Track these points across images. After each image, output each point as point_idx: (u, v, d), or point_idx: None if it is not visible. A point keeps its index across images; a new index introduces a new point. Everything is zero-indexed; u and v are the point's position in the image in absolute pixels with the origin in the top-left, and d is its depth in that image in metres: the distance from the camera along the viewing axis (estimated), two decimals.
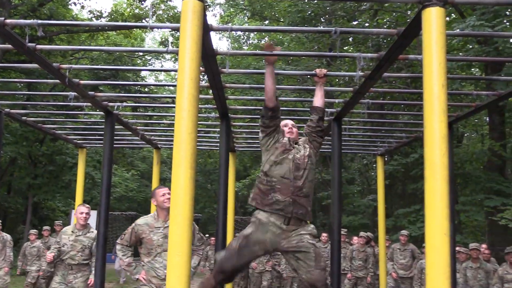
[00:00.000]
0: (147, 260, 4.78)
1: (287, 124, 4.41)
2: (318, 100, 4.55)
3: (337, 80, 17.70)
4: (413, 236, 13.91)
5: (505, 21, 11.86)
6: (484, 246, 9.57)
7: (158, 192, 4.90)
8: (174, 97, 3.03)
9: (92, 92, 5.50)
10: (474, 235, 17.16)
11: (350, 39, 18.32)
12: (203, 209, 31.04)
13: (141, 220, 4.91)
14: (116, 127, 6.36)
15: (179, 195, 2.83)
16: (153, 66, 27.64)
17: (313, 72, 4.59)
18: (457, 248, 9.26)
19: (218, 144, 6.78)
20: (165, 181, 26.27)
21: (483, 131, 19.30)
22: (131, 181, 27.31)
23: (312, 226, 4.22)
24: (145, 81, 28.33)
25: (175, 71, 4.16)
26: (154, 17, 20.54)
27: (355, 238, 11.81)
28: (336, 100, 5.77)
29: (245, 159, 27.26)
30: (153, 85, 24.83)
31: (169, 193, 4.60)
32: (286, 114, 7.83)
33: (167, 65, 30.00)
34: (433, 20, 3.06)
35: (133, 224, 4.89)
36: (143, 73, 25.61)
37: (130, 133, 7.76)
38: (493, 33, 8.49)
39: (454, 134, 18.38)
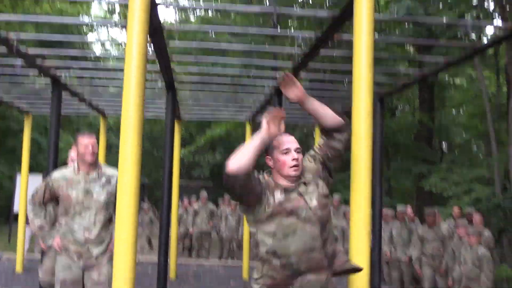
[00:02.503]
0: (65, 221, 3.89)
1: (289, 149, 2.62)
2: (321, 118, 2.75)
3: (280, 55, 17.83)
4: (347, 199, 14.47)
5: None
6: (409, 208, 10.16)
7: (81, 141, 3.87)
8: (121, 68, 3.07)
9: (40, 60, 5.41)
10: (403, 199, 18.01)
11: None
12: (149, 174, 30.84)
13: (57, 173, 3.97)
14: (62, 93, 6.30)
15: (126, 164, 2.91)
16: (100, 33, 26.99)
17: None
18: (384, 210, 9.83)
19: (165, 113, 6.84)
20: (111, 147, 25.88)
21: (415, 105, 20.05)
22: None
23: None
24: (92, 49, 27.56)
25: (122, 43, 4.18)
26: None
27: None
28: (277, 75, 5.93)
29: (190, 126, 27.19)
30: (102, 56, 24.17)
31: (93, 146, 3.85)
32: (231, 87, 7.91)
33: (114, 32, 29.33)
34: (363, 4, 3.25)
35: (47, 178, 4.00)
36: (89, 39, 24.85)
37: (76, 100, 7.68)
38: (417, 18, 8.80)
39: (388, 107, 19.07)
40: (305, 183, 2.66)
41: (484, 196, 11.20)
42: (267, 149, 2.64)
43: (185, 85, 7.07)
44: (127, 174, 2.92)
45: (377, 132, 6.32)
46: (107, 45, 33.18)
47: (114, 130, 27.15)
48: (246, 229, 8.92)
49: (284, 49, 8.04)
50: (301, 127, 20.90)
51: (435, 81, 16.90)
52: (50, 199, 3.97)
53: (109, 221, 3.95)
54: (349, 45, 3.40)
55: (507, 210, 10.43)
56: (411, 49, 17.92)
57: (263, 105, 7.38)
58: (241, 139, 20.75)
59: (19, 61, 5.32)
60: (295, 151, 2.61)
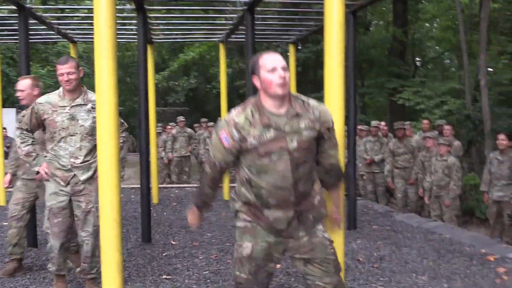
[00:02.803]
0: (50, 147, 3.89)
1: (275, 67, 2.55)
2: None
3: None
4: None
5: None
6: (383, 123, 10.41)
7: (58, 68, 3.81)
8: None
9: None
10: (377, 115, 18.33)
11: None
12: (123, 102, 30.59)
13: (43, 98, 3.91)
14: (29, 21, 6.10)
15: (103, 88, 2.92)
16: None
17: None
18: (358, 126, 10.07)
19: (136, 37, 6.71)
20: (83, 77, 25.30)
21: (389, 19, 19.90)
22: (47, 77, 26.21)
23: None
24: None
25: None
26: None
27: None
28: None
29: (163, 51, 26.72)
30: None
31: (68, 73, 3.75)
32: (203, 5, 7.75)
33: None
34: None
35: (33, 103, 3.92)
36: None
37: (44, 27, 7.44)
38: None
39: (362, 22, 18.90)
40: (297, 115, 2.59)
41: (455, 108, 11.49)
42: (253, 69, 2.61)
43: (155, 6, 6.91)
44: (104, 101, 2.93)
45: (350, 47, 6.33)
46: None
47: (84, 58, 26.51)
48: None
49: None
50: (275, 47, 20.70)
51: None
52: (37, 124, 3.90)
53: (96, 147, 3.68)
54: None
55: (476, 121, 10.76)
56: None
57: (235, 24, 7.27)
58: (215, 62, 20.63)
59: None
60: (281, 68, 2.52)
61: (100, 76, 2.91)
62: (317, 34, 9.64)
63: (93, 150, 3.85)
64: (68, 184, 3.85)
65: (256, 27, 7.96)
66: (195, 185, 11.30)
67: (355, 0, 6.42)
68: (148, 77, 8.39)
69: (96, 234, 3.80)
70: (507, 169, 6.77)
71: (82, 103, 3.86)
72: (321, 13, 10.18)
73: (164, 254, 5.34)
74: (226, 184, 8.91)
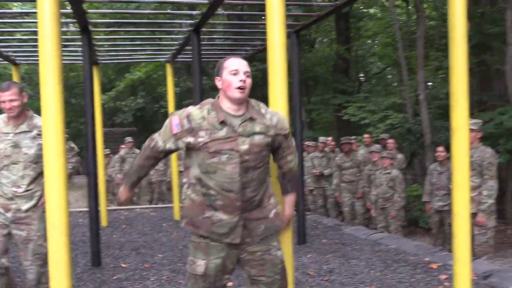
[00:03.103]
0: None
1: (237, 71, 2.59)
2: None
3: None
4: None
5: None
6: (330, 139, 10.67)
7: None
8: (27, 12, 2.94)
9: None
10: (324, 130, 18.68)
11: None
12: (69, 123, 29.93)
13: None
14: None
15: (49, 111, 2.85)
16: None
17: None
18: (306, 142, 10.31)
19: (81, 58, 6.64)
20: (33, 100, 24.80)
21: (333, 36, 20.43)
22: None
23: None
24: None
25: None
26: None
27: None
28: (194, 12, 5.90)
29: (109, 71, 26.35)
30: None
31: (11, 100, 3.60)
32: (148, 26, 7.77)
33: None
34: None
35: None
36: None
37: None
38: None
39: (307, 40, 19.34)
40: (252, 119, 2.62)
41: (397, 122, 11.91)
42: (217, 70, 2.67)
43: (100, 28, 6.87)
44: (51, 125, 2.84)
45: (294, 65, 6.50)
46: None
47: (26, 79, 25.80)
48: (174, 171, 9.03)
49: None
50: None
51: (351, 12, 17.27)
52: None
53: (40, 174, 3.68)
54: None
55: (417, 134, 11.18)
56: None
57: (182, 44, 7.33)
58: (162, 81, 20.51)
59: None
60: (244, 73, 2.59)
61: (45, 99, 2.86)
62: (262, 52, 9.83)
63: (37, 178, 3.73)
64: (9, 211, 3.73)
65: (203, 47, 8.05)
66: (145, 206, 11.18)
67: (298, 20, 6.63)
68: (95, 98, 8.33)
69: (40, 262, 3.75)
70: (446, 179, 7.07)
71: (27, 129, 3.73)
72: (265, 33, 10.44)
73: (114, 278, 5.25)
74: (176, 204, 8.88)
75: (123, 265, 5.76)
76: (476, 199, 6.03)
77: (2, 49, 7.61)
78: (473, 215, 6.04)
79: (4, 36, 7.44)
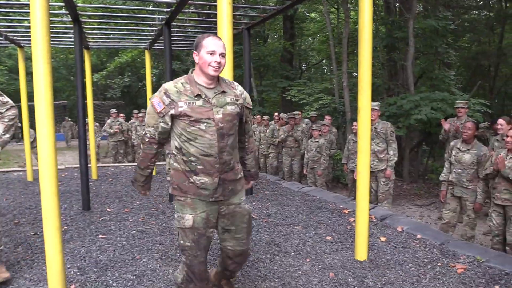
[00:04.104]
0: None
1: (214, 51, 2.39)
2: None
3: None
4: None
5: None
6: (276, 113, 10.73)
7: None
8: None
9: None
10: (272, 107, 18.76)
11: None
12: (69, 97, 28.95)
13: None
14: None
15: (40, 86, 2.79)
16: None
17: None
18: (257, 116, 10.33)
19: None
20: (32, 75, 23.59)
21: (280, 34, 20.33)
22: (0, 75, 24.26)
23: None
24: None
25: None
26: None
27: None
28: (165, 10, 5.73)
29: (101, 54, 25.45)
30: None
31: None
32: (131, 19, 7.51)
33: None
34: None
35: None
36: None
37: None
38: None
39: (261, 36, 19.16)
40: (223, 92, 2.45)
41: (327, 103, 12.07)
42: (196, 46, 2.43)
43: (90, 19, 6.60)
44: (41, 100, 2.77)
45: (246, 55, 6.47)
46: None
47: (31, 60, 24.59)
48: None
49: None
50: (190, 54, 20.39)
51: (295, 15, 17.18)
52: None
53: None
54: None
55: (341, 112, 11.40)
56: None
57: (156, 35, 7.16)
58: (143, 64, 19.99)
59: None
60: (219, 54, 2.36)
61: (37, 77, 2.79)
62: None
63: None
64: None
65: (175, 37, 7.88)
66: (128, 163, 11.03)
67: (250, 19, 6.57)
68: (86, 76, 8.06)
69: None
70: None
71: None
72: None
73: (101, 219, 5.23)
74: None
75: (108, 210, 5.73)
76: (384, 159, 6.28)
77: (9, 34, 7.24)
78: (383, 171, 6.31)
79: (13, 24, 7.03)
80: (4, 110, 3.23)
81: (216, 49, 2.36)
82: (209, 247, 2.67)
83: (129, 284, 3.27)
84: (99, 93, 26.67)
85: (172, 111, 2.37)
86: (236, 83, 2.60)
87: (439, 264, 3.67)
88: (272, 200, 6.25)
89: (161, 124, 2.42)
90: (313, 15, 21.05)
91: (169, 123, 2.42)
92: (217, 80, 2.47)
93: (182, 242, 2.48)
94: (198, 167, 2.41)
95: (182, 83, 2.42)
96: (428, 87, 10.00)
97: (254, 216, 5.29)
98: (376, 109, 6.23)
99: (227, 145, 2.43)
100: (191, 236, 2.45)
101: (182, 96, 2.38)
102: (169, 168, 2.54)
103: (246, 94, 2.60)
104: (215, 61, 2.35)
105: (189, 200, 2.47)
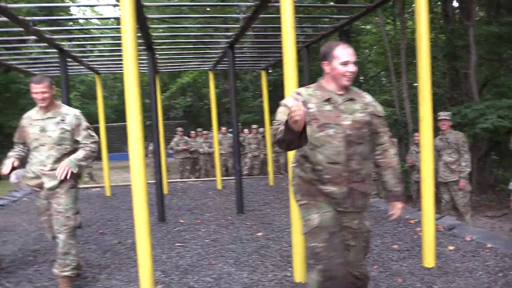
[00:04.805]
0: (29, 156, 3.50)
1: (348, 62, 2.33)
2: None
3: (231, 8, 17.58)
4: None
5: None
6: None
7: (31, 87, 3.39)
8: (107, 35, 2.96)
9: (48, 35, 5.42)
10: None
11: None
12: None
13: (26, 113, 3.57)
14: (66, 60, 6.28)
15: (131, 103, 3.10)
16: (81, 2, 25.65)
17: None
18: None
19: (146, 68, 6.95)
20: (107, 100, 25.63)
21: None
22: (74, 100, 26.42)
23: None
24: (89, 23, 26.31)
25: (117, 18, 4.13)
26: None
27: (246, 130, 12.69)
28: (229, 33, 6.14)
29: (164, 76, 26.87)
30: (96, 18, 23.05)
31: (42, 92, 3.36)
32: (195, 43, 8.02)
33: (93, 1, 27.80)
34: None
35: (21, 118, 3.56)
36: (73, 10, 23.65)
37: (76, 63, 7.63)
38: None
39: (318, 51, 19.32)
40: (352, 99, 2.39)
41: (387, 115, 11.99)
42: (325, 56, 2.39)
43: (162, 45, 7.16)
44: (133, 123, 3.08)
45: (305, 73, 6.71)
46: (89, 12, 31.59)
47: (102, 84, 26.49)
48: (216, 153, 9.34)
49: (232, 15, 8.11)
50: (251, 71, 21.04)
51: (351, 29, 17.20)
52: (25, 137, 3.52)
53: (65, 155, 3.45)
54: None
55: (402, 123, 11.26)
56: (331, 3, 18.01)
57: (220, 56, 7.59)
58: (206, 84, 20.89)
59: (32, 38, 5.30)
60: (352, 64, 2.33)
61: (129, 100, 3.10)
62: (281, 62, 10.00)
63: (61, 158, 3.42)
64: (42, 189, 3.45)
65: (236, 58, 8.32)
66: (195, 179, 11.56)
67: (308, 37, 6.83)
68: (157, 99, 8.66)
69: (68, 233, 3.44)
70: None
71: (52, 116, 3.45)
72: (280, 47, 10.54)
73: (175, 229, 5.61)
74: (218, 177, 9.20)
75: (181, 221, 6.13)
76: (456, 170, 6.13)
77: (89, 63, 8.01)
78: (456, 182, 6.14)
79: (93, 54, 7.80)
80: (90, 142, 3.52)
81: (349, 59, 2.34)
82: (345, 254, 2.37)
83: (208, 285, 3.58)
84: (162, 113, 28.03)
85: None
86: (365, 92, 2.53)
87: (511, 272, 3.63)
88: None
89: None
90: (368, 27, 20.92)
91: None
92: (346, 87, 2.42)
93: (313, 245, 2.29)
94: (325, 176, 2.31)
95: (312, 89, 2.43)
96: (494, 94, 9.65)
97: None
98: (447, 119, 6.10)
99: (355, 153, 2.31)
100: (321, 235, 2.27)
101: (312, 99, 2.35)
102: (294, 177, 2.50)
103: (376, 103, 2.51)
104: (349, 72, 2.33)
105: (313, 201, 2.36)
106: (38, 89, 3.34)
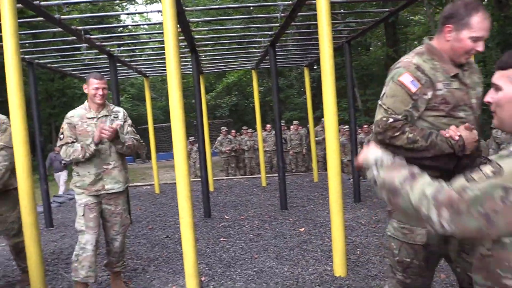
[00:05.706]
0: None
1: (480, 38, 1.71)
2: None
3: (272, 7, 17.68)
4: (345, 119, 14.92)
5: None
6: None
7: (91, 82, 3.34)
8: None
9: (99, 43, 5.77)
10: (371, 116, 18.34)
11: None
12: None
13: (71, 113, 3.42)
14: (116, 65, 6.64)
15: (175, 107, 3.32)
16: (129, 10, 26.85)
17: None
18: (364, 126, 10.28)
19: (190, 69, 7.19)
20: (156, 101, 26.57)
21: (383, 40, 19.92)
22: (125, 102, 27.63)
23: None
24: (138, 29, 27.55)
25: (160, 23, 4.35)
26: None
27: (292, 126, 12.73)
28: (270, 32, 6.23)
29: (210, 77, 27.44)
30: (143, 24, 24.02)
31: (103, 89, 3.35)
32: (238, 43, 8.17)
33: (140, 8, 28.92)
34: None
35: (65, 119, 3.40)
36: (122, 17, 24.66)
37: (125, 67, 8.02)
38: None
39: (363, 45, 19.00)
40: (467, 70, 1.80)
41: None
42: (453, 17, 1.72)
43: (205, 47, 7.37)
44: (176, 119, 3.26)
45: (347, 67, 6.67)
46: (136, 18, 32.83)
47: (151, 86, 27.52)
48: (261, 151, 9.48)
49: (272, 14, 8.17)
50: (296, 68, 21.04)
51: (397, 20, 16.77)
52: (78, 135, 3.36)
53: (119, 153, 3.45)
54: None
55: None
56: None
57: (262, 55, 7.70)
58: (250, 83, 21.16)
59: (84, 46, 5.67)
60: (484, 43, 1.73)
61: (172, 100, 3.29)
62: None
63: (119, 155, 3.45)
64: (98, 190, 3.38)
65: (278, 56, 8.39)
66: (240, 176, 11.77)
67: (349, 32, 6.78)
68: (202, 99, 8.92)
69: (125, 233, 3.55)
70: None
71: (107, 114, 3.45)
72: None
73: (220, 225, 5.81)
74: (263, 175, 9.33)
75: (226, 217, 6.32)
76: None
77: (137, 66, 8.40)
78: None
79: (140, 58, 8.19)
80: (134, 137, 3.52)
81: (483, 34, 1.70)
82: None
83: (250, 278, 3.70)
84: (209, 112, 28.64)
85: (430, 95, 1.72)
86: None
87: None
88: (381, 208, 6.28)
89: (411, 110, 1.73)
90: (416, 18, 20.26)
91: (419, 112, 1.74)
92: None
93: (406, 259, 1.87)
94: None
95: (427, 57, 1.78)
96: None
97: (363, 222, 5.44)
98: None
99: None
100: (423, 253, 1.85)
101: (439, 76, 1.74)
102: None
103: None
104: (476, 49, 1.72)
105: None
106: (100, 85, 3.32)
